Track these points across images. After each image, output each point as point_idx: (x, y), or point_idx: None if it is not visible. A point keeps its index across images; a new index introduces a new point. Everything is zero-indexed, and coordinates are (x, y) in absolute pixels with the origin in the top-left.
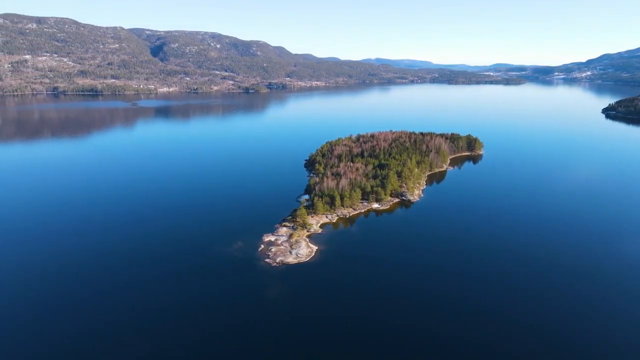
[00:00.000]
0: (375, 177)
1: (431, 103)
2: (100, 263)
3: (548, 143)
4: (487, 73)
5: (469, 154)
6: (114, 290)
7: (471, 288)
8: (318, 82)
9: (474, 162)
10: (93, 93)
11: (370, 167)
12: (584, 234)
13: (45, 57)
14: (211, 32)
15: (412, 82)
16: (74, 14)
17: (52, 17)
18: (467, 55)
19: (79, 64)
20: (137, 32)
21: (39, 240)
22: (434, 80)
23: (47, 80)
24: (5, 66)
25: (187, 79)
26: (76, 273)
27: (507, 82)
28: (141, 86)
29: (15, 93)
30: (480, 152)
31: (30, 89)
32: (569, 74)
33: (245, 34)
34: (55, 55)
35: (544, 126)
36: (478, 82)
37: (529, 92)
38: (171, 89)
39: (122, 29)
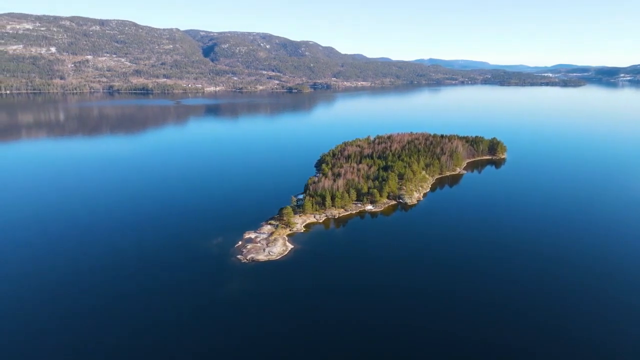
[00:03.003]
0: (376, 178)
1: (467, 105)
2: (89, 255)
3: (579, 148)
4: (545, 74)
5: (489, 157)
6: (84, 275)
7: (445, 295)
8: (364, 83)
9: (496, 167)
10: (144, 92)
11: (374, 168)
12: (604, 249)
13: (105, 58)
14: (262, 33)
15: (462, 83)
16: (136, 16)
17: (114, 20)
18: (527, 56)
19: (135, 63)
20: (192, 34)
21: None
22: (485, 82)
23: (104, 79)
24: (69, 66)
25: (235, 78)
26: (60, 263)
27: (565, 83)
28: (189, 85)
29: (75, 91)
30: (503, 156)
31: (89, 87)
32: (637, 76)
33: (296, 35)
34: (114, 55)
35: (580, 130)
36: (532, 84)
37: (585, 95)
38: (217, 88)
39: (178, 30)
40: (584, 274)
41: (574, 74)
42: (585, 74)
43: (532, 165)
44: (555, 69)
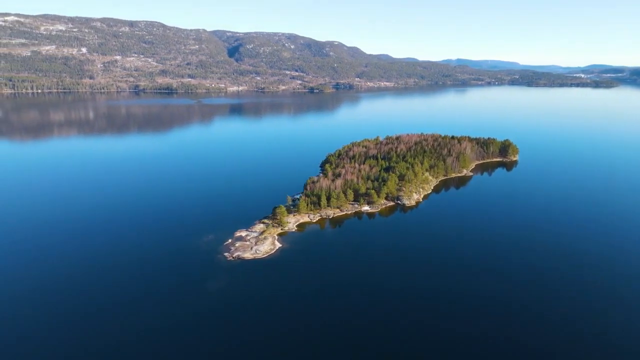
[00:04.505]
0: (376, 179)
1: (484, 106)
2: (85, 251)
3: (595, 150)
4: (576, 75)
5: (500, 159)
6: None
7: (427, 302)
8: (387, 83)
9: (507, 169)
10: (168, 91)
11: (376, 169)
12: (615, 253)
13: (133, 58)
14: (288, 33)
15: (489, 84)
16: (165, 17)
17: (142, 21)
18: (559, 56)
19: (161, 64)
20: (219, 34)
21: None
22: (513, 82)
23: (131, 79)
24: (98, 66)
25: (258, 78)
26: (56, 257)
27: (597, 84)
28: (213, 85)
29: (103, 90)
30: (515, 158)
31: (116, 87)
32: None
33: (322, 35)
34: (142, 55)
35: (597, 133)
36: (562, 85)
37: (614, 96)
38: (240, 88)
39: (205, 31)
40: (595, 279)
41: (607, 75)
42: (620, 74)
43: (543, 168)
44: (588, 70)
